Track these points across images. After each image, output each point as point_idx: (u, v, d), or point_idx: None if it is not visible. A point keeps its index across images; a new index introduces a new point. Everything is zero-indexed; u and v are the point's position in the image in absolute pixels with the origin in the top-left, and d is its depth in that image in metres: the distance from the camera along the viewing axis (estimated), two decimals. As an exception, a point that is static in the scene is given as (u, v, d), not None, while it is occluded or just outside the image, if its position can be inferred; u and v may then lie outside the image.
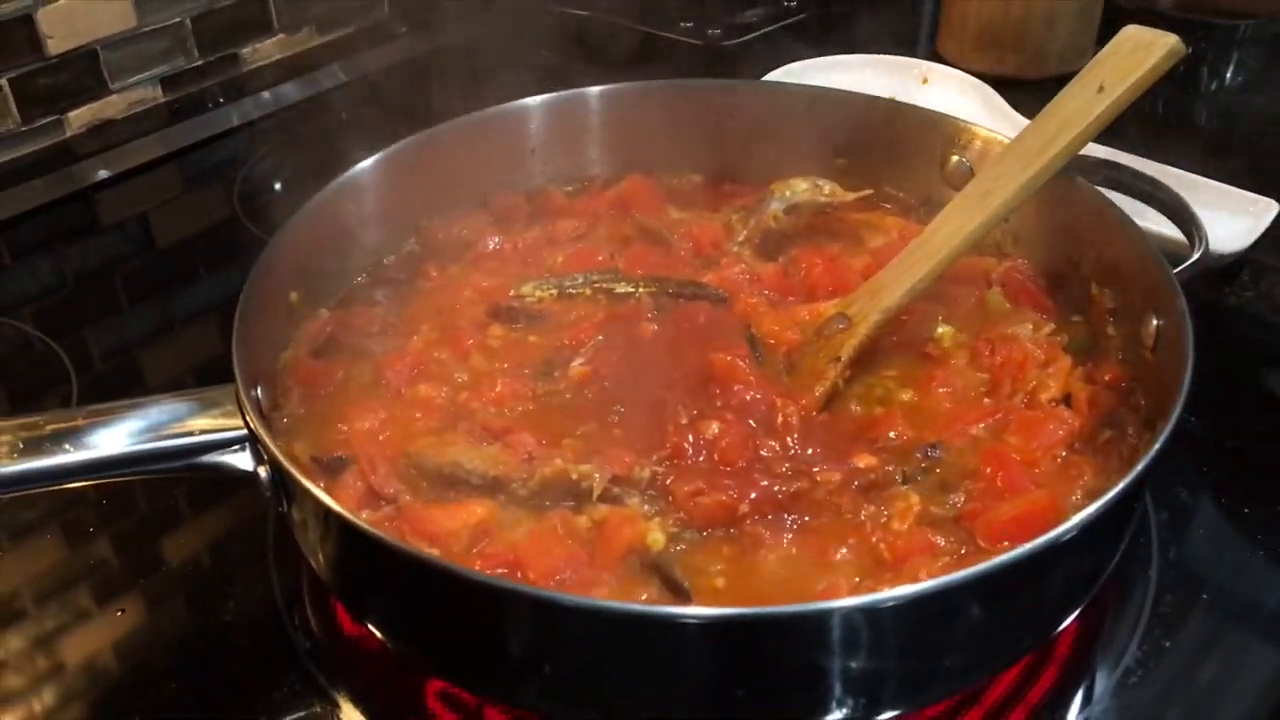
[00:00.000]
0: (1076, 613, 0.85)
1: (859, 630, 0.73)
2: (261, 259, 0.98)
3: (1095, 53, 1.80)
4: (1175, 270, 0.95)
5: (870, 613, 0.72)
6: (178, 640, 0.97)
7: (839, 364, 1.00)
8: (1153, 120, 1.70)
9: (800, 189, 1.17)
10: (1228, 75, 1.83)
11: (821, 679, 0.75)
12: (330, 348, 1.06)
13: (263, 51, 1.83)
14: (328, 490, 0.90)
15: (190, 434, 0.86)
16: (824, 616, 0.73)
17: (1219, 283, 1.30)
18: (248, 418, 0.83)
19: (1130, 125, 1.64)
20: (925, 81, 1.66)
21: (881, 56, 1.69)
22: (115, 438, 0.85)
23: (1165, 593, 0.94)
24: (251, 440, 0.85)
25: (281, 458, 0.80)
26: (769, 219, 1.16)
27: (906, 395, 1.00)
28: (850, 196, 1.19)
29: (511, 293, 1.12)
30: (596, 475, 0.88)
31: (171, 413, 0.87)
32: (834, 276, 1.12)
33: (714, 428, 0.92)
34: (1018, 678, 0.88)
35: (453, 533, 0.86)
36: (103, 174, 1.62)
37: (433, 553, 0.83)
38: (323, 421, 0.98)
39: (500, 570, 0.84)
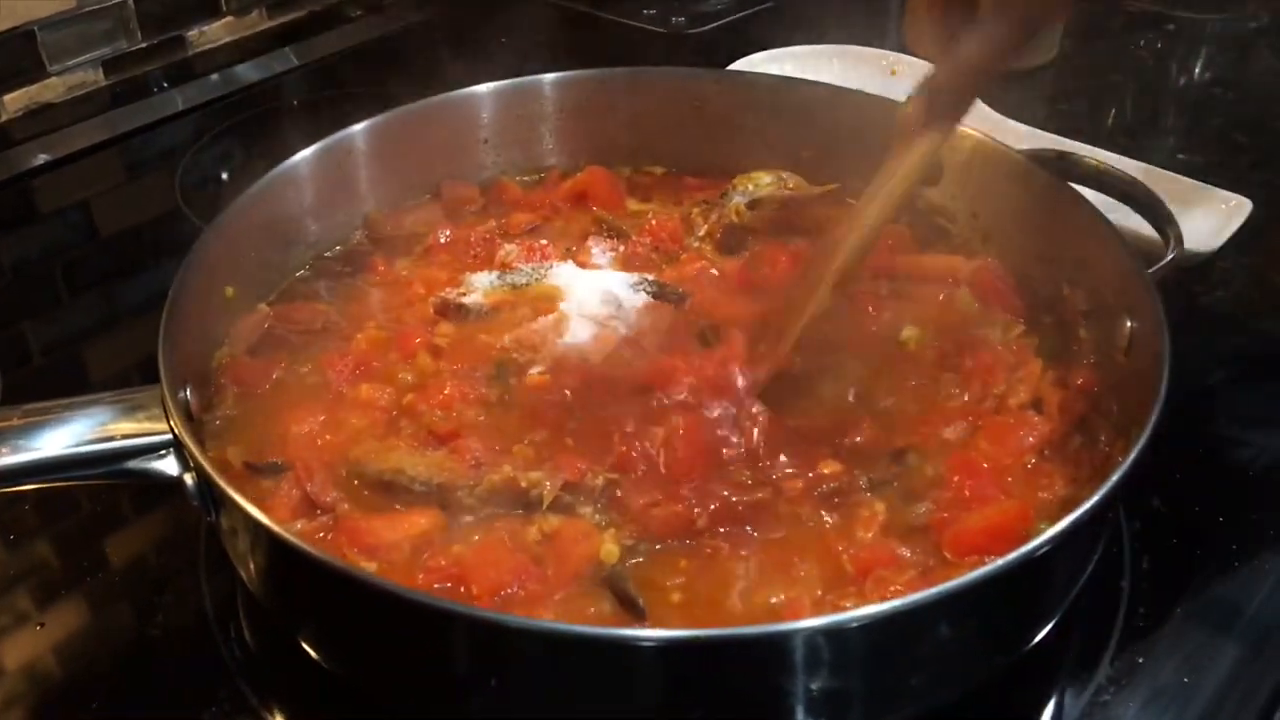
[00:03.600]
0: (1047, 629, 0.82)
1: (820, 651, 0.69)
2: (192, 253, 0.93)
3: (1060, 46, 1.79)
4: (1149, 270, 0.92)
5: (833, 633, 0.69)
6: (101, 656, 0.91)
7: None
8: (1120, 115, 1.68)
9: (764, 182, 1.13)
10: (1196, 71, 1.81)
11: (781, 700, 0.71)
12: (268, 344, 1.01)
13: (210, 34, 1.77)
14: (261, 498, 0.86)
15: (112, 439, 0.81)
16: (783, 638, 0.69)
17: (1189, 282, 1.27)
18: (172, 422, 0.79)
19: (1100, 120, 1.64)
20: (894, 73, 1.63)
21: (850, 47, 1.66)
22: (32, 444, 0.80)
23: (1138, 605, 0.91)
24: (177, 446, 0.80)
25: (207, 464, 0.75)
26: (731, 213, 1.12)
27: (872, 398, 0.97)
28: (815, 191, 1.15)
29: (460, 288, 1.07)
30: (547, 483, 0.84)
31: (92, 417, 0.82)
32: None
33: (660, 434, 0.88)
34: (985, 696, 0.84)
35: (394, 544, 0.82)
36: (41, 159, 1.55)
37: (370, 567, 0.79)
38: (259, 423, 0.94)
39: (444, 584, 0.80)
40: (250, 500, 0.74)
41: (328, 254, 1.13)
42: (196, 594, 0.94)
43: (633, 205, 1.20)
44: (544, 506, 0.84)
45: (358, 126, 1.12)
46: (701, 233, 1.13)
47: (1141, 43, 1.86)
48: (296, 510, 0.86)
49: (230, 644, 0.90)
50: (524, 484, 0.85)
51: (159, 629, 0.92)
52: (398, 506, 0.86)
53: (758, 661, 0.70)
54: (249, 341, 1.00)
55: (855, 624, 0.68)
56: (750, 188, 1.14)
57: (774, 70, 1.53)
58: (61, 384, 1.22)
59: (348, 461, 0.88)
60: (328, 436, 0.91)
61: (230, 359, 0.98)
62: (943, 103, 0.93)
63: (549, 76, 1.22)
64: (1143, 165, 1.35)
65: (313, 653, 0.81)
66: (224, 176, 1.54)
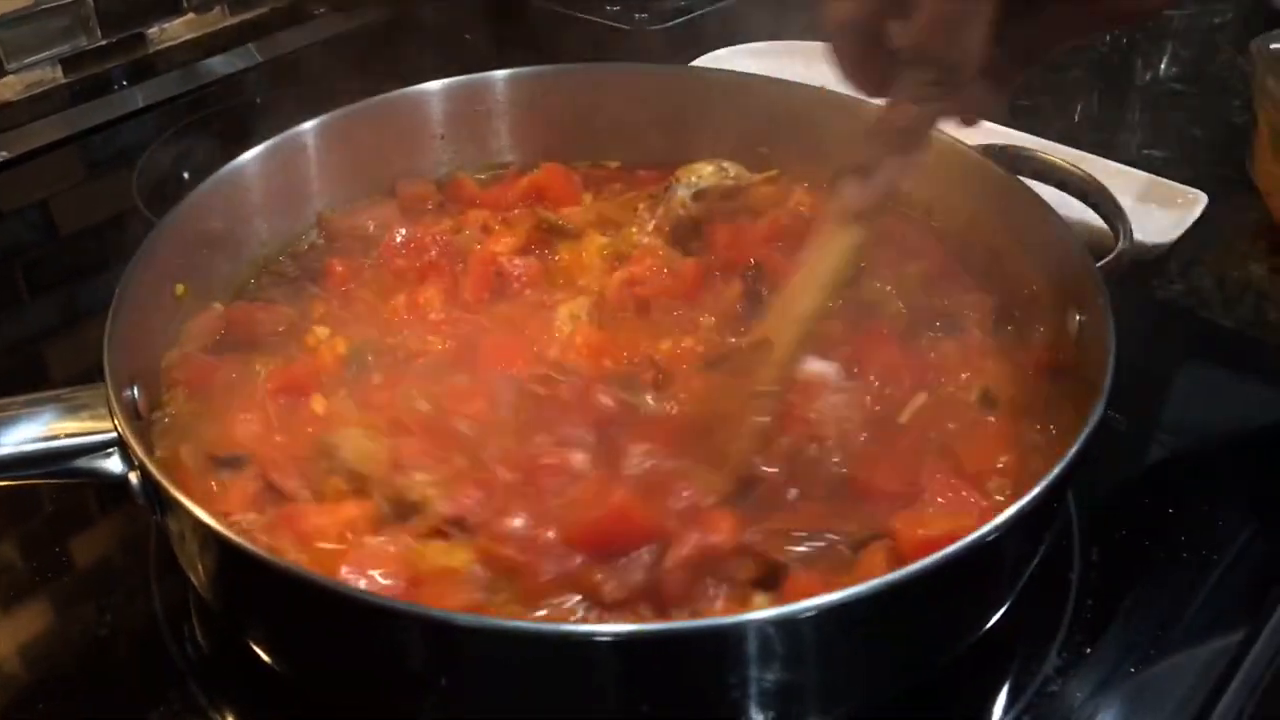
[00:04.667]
0: (995, 619, 0.82)
1: (772, 643, 0.69)
2: (140, 252, 0.92)
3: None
4: (1098, 263, 0.92)
5: (783, 624, 0.69)
6: (51, 656, 0.91)
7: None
8: (1085, 110, 1.69)
9: (705, 173, 1.13)
10: (1161, 66, 1.83)
11: (733, 693, 0.71)
12: (222, 343, 1.00)
13: (171, 32, 1.75)
14: (221, 490, 0.85)
15: (54, 438, 0.80)
16: (734, 631, 0.69)
17: (1146, 275, 1.28)
18: (116, 420, 0.78)
19: (1063, 116, 1.65)
20: (856, 69, 1.63)
21: (812, 43, 1.65)
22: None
23: (1087, 596, 0.92)
24: (121, 444, 0.79)
25: (150, 463, 0.75)
26: (677, 206, 1.11)
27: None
28: (757, 178, 1.15)
29: None
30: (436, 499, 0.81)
31: (38, 416, 0.81)
32: (742, 245, 1.08)
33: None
34: (935, 686, 0.85)
35: (320, 530, 0.81)
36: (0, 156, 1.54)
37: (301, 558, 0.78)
38: (209, 421, 0.92)
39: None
40: (196, 497, 0.73)
41: (282, 254, 1.12)
42: (146, 594, 0.93)
43: (589, 201, 1.19)
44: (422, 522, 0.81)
45: (308, 124, 1.11)
46: (650, 227, 1.13)
47: (1105, 38, 1.87)
48: (252, 502, 0.84)
49: (182, 644, 0.89)
50: (414, 497, 0.82)
51: (109, 629, 0.91)
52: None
53: (710, 655, 0.69)
54: (201, 341, 0.99)
55: (805, 615, 0.68)
56: (694, 179, 1.12)
57: (736, 66, 1.53)
58: (22, 383, 1.20)
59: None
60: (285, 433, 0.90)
61: (182, 358, 0.97)
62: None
63: (500, 73, 1.21)
64: (1100, 160, 1.36)
65: (261, 653, 0.80)
66: (185, 175, 1.53)
